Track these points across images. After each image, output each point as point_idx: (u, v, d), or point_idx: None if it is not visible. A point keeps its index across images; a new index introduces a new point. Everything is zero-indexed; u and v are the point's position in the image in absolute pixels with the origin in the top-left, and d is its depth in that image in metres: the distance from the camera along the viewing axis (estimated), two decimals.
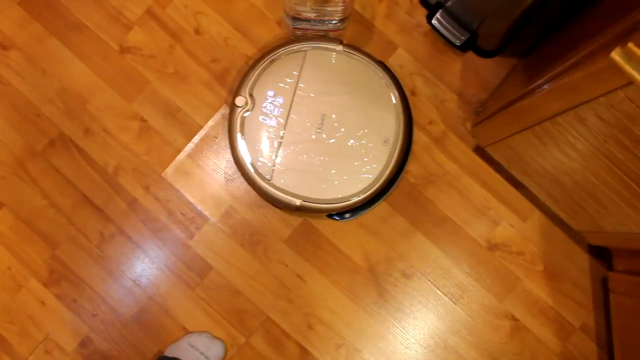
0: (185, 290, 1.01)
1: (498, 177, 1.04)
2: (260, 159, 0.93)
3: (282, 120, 0.93)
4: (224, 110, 1.02)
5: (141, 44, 1.05)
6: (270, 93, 0.93)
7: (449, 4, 1.01)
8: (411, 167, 1.03)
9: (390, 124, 0.93)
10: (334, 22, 0.95)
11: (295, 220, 1.02)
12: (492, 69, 1.06)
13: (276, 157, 0.93)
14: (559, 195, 0.89)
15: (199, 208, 1.02)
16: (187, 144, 1.03)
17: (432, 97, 1.05)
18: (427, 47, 1.05)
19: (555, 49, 0.85)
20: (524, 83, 0.84)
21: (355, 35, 1.06)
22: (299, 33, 0.99)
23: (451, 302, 1.02)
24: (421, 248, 1.02)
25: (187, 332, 1.00)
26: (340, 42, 0.94)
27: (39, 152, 1.03)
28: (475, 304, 1.01)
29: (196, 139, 1.03)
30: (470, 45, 1.03)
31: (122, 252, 1.01)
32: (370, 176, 0.92)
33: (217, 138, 1.03)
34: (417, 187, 1.03)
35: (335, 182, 0.92)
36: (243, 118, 0.93)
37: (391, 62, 1.05)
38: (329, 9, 0.92)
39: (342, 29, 1.00)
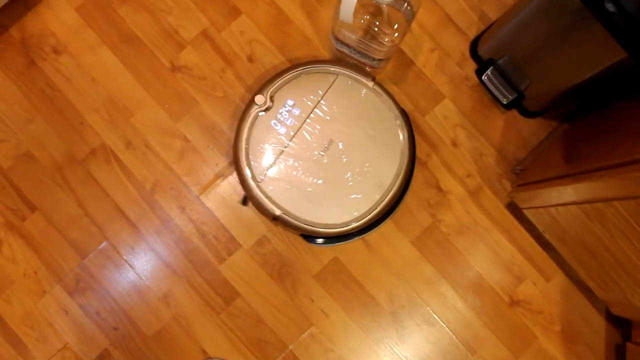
0: (210, 314, 1.04)
1: (527, 235, 1.09)
2: (259, 159, 0.97)
3: (291, 132, 0.98)
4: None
5: (193, 64, 1.09)
6: (290, 102, 0.98)
7: (500, 61, 1.05)
8: (445, 216, 1.07)
9: (391, 172, 0.98)
10: (374, 58, 0.99)
11: (326, 256, 1.06)
12: (532, 129, 1.11)
13: (274, 163, 0.97)
14: (591, 265, 0.93)
15: (232, 234, 1.06)
16: (228, 169, 1.06)
17: (472, 150, 1.09)
18: (472, 101, 1.10)
19: (605, 125, 0.89)
20: (571, 156, 0.88)
21: (401, 77, 1.11)
22: (338, 54, 1.04)
23: (468, 353, 1.06)
24: (445, 296, 1.06)
25: (206, 356, 1.03)
26: (373, 79, 0.99)
27: (79, 160, 1.06)
28: (491, 356, 1.06)
29: None
30: (515, 104, 1.08)
31: (150, 269, 1.04)
32: (355, 213, 0.97)
33: None
34: (449, 236, 1.07)
35: (320, 206, 0.97)
36: (257, 116, 0.98)
37: (436, 112, 1.09)
38: (373, 45, 0.96)
39: (378, 68, 1.05)
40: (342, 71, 0.99)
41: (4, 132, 1.06)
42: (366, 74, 1.00)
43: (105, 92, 1.08)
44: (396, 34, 0.94)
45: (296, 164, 0.97)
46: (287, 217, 0.96)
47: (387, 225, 1.05)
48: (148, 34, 1.09)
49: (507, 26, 1.00)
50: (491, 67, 1.07)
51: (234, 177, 1.05)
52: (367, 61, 1.02)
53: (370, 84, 0.98)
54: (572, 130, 1.03)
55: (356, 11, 0.87)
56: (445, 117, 1.09)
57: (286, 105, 0.98)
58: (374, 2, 0.87)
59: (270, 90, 0.98)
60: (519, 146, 1.09)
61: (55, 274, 1.04)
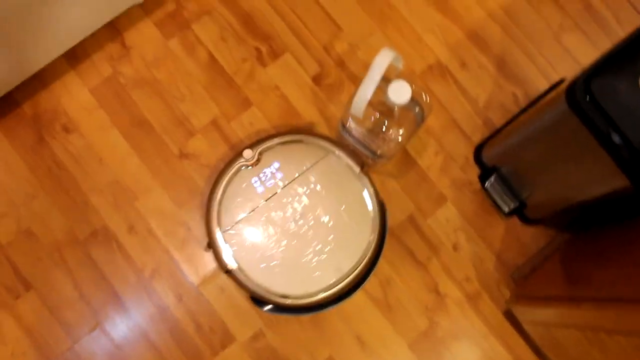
0: None
1: (524, 345, 1.12)
2: (230, 210, 0.99)
3: (269, 194, 0.99)
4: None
5: (200, 152, 1.13)
6: (276, 165, 1.01)
7: (503, 169, 1.10)
8: (442, 320, 1.10)
9: (352, 260, 1.00)
10: (376, 153, 1.04)
11: (321, 355, 1.07)
12: (532, 236, 1.15)
13: (243, 219, 1.00)
14: None
15: (228, 326, 1.07)
16: None
17: (472, 255, 1.13)
18: (474, 206, 1.14)
19: (610, 248, 0.92)
20: (573, 276, 0.91)
21: (405, 177, 1.17)
22: (341, 140, 1.09)
23: None
24: None
25: None
26: (362, 166, 1.02)
27: (80, 241, 1.09)
28: None
29: None
30: (516, 212, 1.12)
31: (142, 358, 1.05)
32: (308, 290, 0.98)
33: None
34: (445, 341, 1.10)
35: (276, 273, 0.98)
36: (239, 169, 1.01)
37: (439, 215, 1.13)
38: (378, 142, 1.01)
39: (378, 164, 1.10)
40: (334, 150, 1.03)
41: (7, 206, 1.09)
42: (357, 160, 1.03)
43: (112, 174, 1.11)
44: (402, 136, 0.99)
45: (264, 225, 1.00)
46: (240, 274, 0.98)
47: (386, 327, 1.07)
48: (159, 119, 1.14)
49: (512, 137, 1.05)
50: (494, 174, 1.11)
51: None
52: (369, 154, 1.07)
53: (357, 170, 1.02)
54: (573, 243, 1.07)
55: (367, 107, 0.91)
56: (447, 221, 1.13)
57: (271, 166, 1.02)
58: (387, 102, 0.91)
59: (261, 148, 1.02)
60: (519, 253, 1.13)
61: (45, 356, 1.06)
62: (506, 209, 1.11)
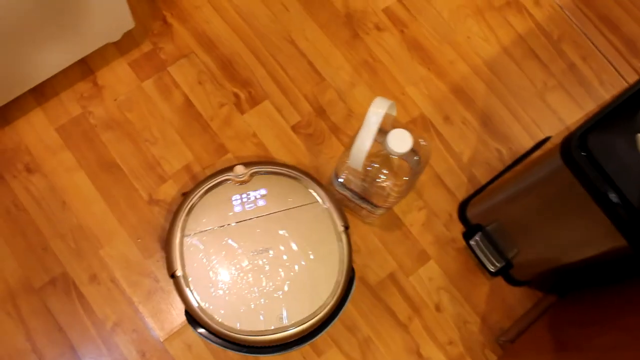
0: None
1: None
2: (199, 218, 1.08)
3: (244, 217, 1.08)
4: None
5: (171, 198, 1.22)
6: (263, 192, 1.10)
7: (489, 227, 1.22)
8: None
9: (298, 315, 1.07)
10: (375, 205, 1.14)
11: None
12: (518, 298, 1.26)
13: (208, 231, 1.07)
14: None
15: None
16: None
17: (456, 316, 1.23)
18: (458, 264, 1.26)
19: (601, 314, 1.02)
20: (562, 342, 1.00)
21: (387, 233, 1.27)
22: (338, 196, 1.18)
23: None
24: None
25: None
26: (346, 227, 1.12)
27: (36, 289, 1.15)
28: None
29: None
30: (502, 272, 1.24)
31: None
32: (241, 326, 1.04)
33: None
34: None
35: (217, 295, 1.04)
36: (224, 181, 1.10)
37: (421, 273, 1.24)
38: (378, 193, 1.10)
39: (374, 216, 1.20)
40: (325, 200, 1.13)
41: None
42: (343, 217, 1.13)
43: (75, 218, 1.19)
44: (401, 186, 1.08)
45: (225, 247, 1.06)
46: (183, 283, 1.04)
47: None
48: (129, 163, 1.23)
49: (500, 194, 1.17)
50: (479, 233, 1.23)
51: None
52: (367, 207, 1.17)
53: (341, 228, 1.11)
54: (562, 306, 1.18)
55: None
56: (429, 279, 1.23)
57: (258, 191, 1.11)
58: (385, 152, 1.00)
59: (254, 170, 1.12)
60: (504, 315, 1.24)
61: None
62: (492, 269, 1.22)
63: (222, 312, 1.05)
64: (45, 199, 1.19)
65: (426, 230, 1.26)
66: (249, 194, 1.10)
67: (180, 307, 1.16)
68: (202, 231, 1.08)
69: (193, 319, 1.07)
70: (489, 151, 1.33)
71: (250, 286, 1.06)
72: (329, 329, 1.09)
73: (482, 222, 1.22)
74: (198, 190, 1.11)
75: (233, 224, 1.09)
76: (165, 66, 1.30)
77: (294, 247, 1.09)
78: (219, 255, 1.07)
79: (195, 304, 1.05)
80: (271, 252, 1.08)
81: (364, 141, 0.96)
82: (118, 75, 1.28)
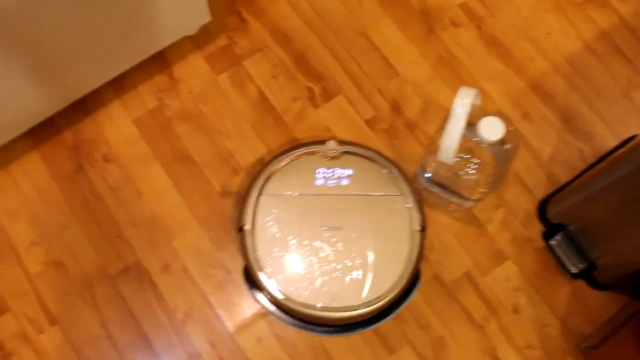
0: None
1: None
2: (280, 181, 1.10)
3: (323, 191, 1.09)
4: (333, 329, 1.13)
5: (244, 191, 1.19)
6: (349, 172, 1.11)
7: (571, 227, 1.15)
8: None
9: (361, 298, 1.05)
10: (467, 199, 1.10)
11: None
12: (601, 303, 1.18)
13: (285, 196, 1.09)
14: None
15: None
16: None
17: (534, 319, 1.16)
18: (537, 265, 1.19)
19: None
20: None
21: (463, 232, 1.22)
22: (424, 192, 1.16)
23: None
24: None
25: None
26: (423, 229, 1.09)
27: (110, 277, 1.15)
28: None
29: None
30: (584, 274, 1.16)
31: None
32: (303, 298, 1.05)
33: None
34: None
35: (281, 261, 1.06)
36: (313, 153, 1.12)
37: (498, 273, 1.18)
38: (465, 186, 1.06)
39: (463, 209, 1.17)
40: (406, 198, 1.11)
41: (38, 234, 1.16)
42: (422, 218, 1.11)
43: (149, 208, 1.18)
44: (492, 175, 1.04)
45: (298, 215, 1.07)
46: (249, 237, 1.07)
47: None
48: (203, 155, 1.22)
49: (583, 193, 1.10)
50: (561, 232, 1.16)
51: (273, 318, 1.12)
52: (456, 200, 1.13)
53: (418, 227, 1.09)
54: None
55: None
56: (506, 280, 1.17)
57: (345, 170, 1.11)
58: (472, 143, 0.98)
59: (346, 149, 1.12)
60: (586, 320, 1.16)
61: None
62: (574, 270, 1.15)
63: (281, 277, 1.05)
64: (120, 189, 1.19)
65: (503, 229, 1.19)
66: (334, 171, 1.09)
67: (252, 298, 1.13)
68: (279, 194, 1.08)
69: (250, 278, 1.07)
70: (570, 150, 1.26)
71: (313, 259, 1.06)
72: (379, 325, 1.09)
73: (564, 222, 1.15)
74: (285, 155, 1.12)
75: (311, 195, 1.09)
76: (240, 60, 1.29)
77: (365, 233, 1.07)
78: (290, 221, 1.07)
79: (255, 264, 1.05)
80: (342, 231, 1.07)
81: (454, 134, 0.93)
82: (194, 69, 1.28)
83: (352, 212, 1.09)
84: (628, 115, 1.29)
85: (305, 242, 1.06)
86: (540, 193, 1.23)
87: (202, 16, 1.22)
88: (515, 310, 1.16)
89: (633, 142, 1.14)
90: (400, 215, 1.10)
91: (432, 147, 1.03)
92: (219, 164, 1.22)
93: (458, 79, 1.29)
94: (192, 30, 1.24)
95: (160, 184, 1.20)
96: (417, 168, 1.15)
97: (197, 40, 1.30)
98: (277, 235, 1.06)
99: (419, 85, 1.29)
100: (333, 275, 1.06)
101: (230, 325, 1.13)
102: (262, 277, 1.05)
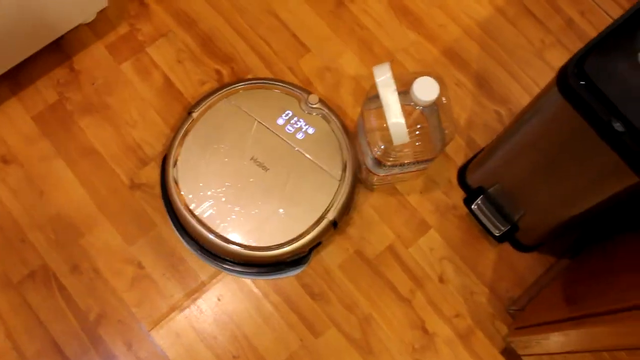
0: None
1: None
2: (247, 102, 1.09)
3: (274, 128, 1.08)
4: (231, 266, 1.04)
5: (154, 181, 1.09)
6: (310, 130, 1.09)
7: (491, 190, 1.08)
8: None
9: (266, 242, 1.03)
10: (427, 160, 1.03)
11: None
12: (528, 265, 1.11)
13: (238, 115, 1.08)
14: None
15: None
16: (185, 301, 1.03)
17: (461, 288, 1.08)
18: (461, 232, 1.11)
19: (610, 261, 0.89)
20: (573, 296, 0.87)
21: (383, 205, 1.14)
22: (375, 184, 1.11)
23: None
24: None
25: None
26: (334, 223, 1.05)
27: (14, 284, 1.03)
28: None
29: (196, 297, 1.03)
30: (508, 236, 1.09)
31: None
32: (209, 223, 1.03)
33: (220, 300, 1.04)
34: None
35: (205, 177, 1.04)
36: (292, 100, 1.10)
37: (421, 244, 1.10)
38: (426, 148, 1.00)
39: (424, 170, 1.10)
40: (341, 184, 1.07)
41: None
42: (341, 212, 1.06)
43: (54, 208, 1.07)
44: (444, 127, 1.00)
45: (243, 136, 1.07)
46: (189, 122, 1.07)
47: None
48: (109, 148, 1.11)
49: (499, 152, 1.03)
50: (481, 196, 1.09)
51: (190, 311, 1.02)
52: (419, 167, 1.06)
53: (331, 217, 1.05)
54: (573, 266, 1.03)
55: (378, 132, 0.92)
56: (431, 250, 1.09)
57: (309, 127, 1.08)
58: (411, 105, 0.93)
59: (322, 109, 1.09)
60: (513, 283, 1.09)
61: None
62: (497, 233, 1.08)
63: (190, 182, 1.04)
64: (22, 190, 1.08)
65: (425, 199, 1.11)
66: (299, 120, 1.07)
67: (167, 292, 1.07)
68: (239, 109, 1.08)
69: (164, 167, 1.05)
70: (487, 113, 1.19)
71: (228, 182, 1.04)
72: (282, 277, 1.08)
73: (484, 185, 1.08)
74: (267, 82, 1.11)
75: (264, 126, 1.06)
76: (143, 47, 1.18)
77: (282, 190, 1.03)
78: (231, 135, 1.07)
79: (174, 151, 1.05)
80: (265, 172, 1.04)
81: (397, 115, 0.88)
82: (95, 59, 1.17)
83: (286, 163, 1.05)
84: (542, 75, 1.23)
85: (225, 160, 1.04)
86: (460, 159, 1.16)
87: (98, 1, 1.10)
88: (442, 280, 1.08)
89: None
90: (324, 196, 1.04)
91: (372, 136, 0.97)
92: (127, 155, 1.11)
93: (369, 51, 1.21)
94: (89, 17, 1.14)
95: (64, 181, 1.09)
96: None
97: (97, 29, 1.19)
98: (210, 137, 1.06)
99: (331, 60, 1.20)
100: (231, 205, 1.03)
101: (146, 323, 1.03)
102: (171, 176, 1.04)
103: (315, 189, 1.04)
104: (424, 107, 0.92)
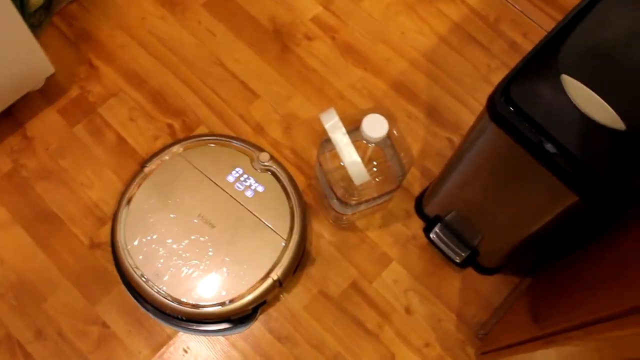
0: None
1: None
2: (198, 158, 1.13)
3: (224, 185, 1.10)
4: (185, 325, 1.06)
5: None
6: (260, 189, 1.12)
7: (448, 217, 1.11)
8: None
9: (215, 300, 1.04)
10: (389, 192, 1.07)
11: None
12: (492, 287, 1.14)
13: (188, 169, 1.11)
14: None
15: None
16: (152, 357, 1.05)
17: (428, 317, 1.11)
18: (423, 262, 1.14)
19: (568, 278, 0.92)
20: (537, 315, 0.90)
21: (343, 242, 1.18)
22: (343, 223, 1.15)
23: None
24: None
25: None
26: (280, 283, 1.07)
27: None
28: None
29: (163, 351, 1.05)
30: (470, 261, 1.12)
31: None
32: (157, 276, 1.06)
33: (187, 352, 1.06)
34: None
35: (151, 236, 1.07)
36: (243, 151, 1.14)
37: (384, 277, 1.13)
38: (387, 182, 1.04)
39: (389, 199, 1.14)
40: (286, 245, 1.09)
41: None
42: (285, 273, 1.09)
43: (14, 274, 1.10)
44: (401, 158, 1.04)
45: (187, 188, 1.11)
46: (142, 176, 1.10)
47: None
48: (66, 210, 1.15)
49: (448, 182, 1.07)
50: (439, 224, 1.12)
51: None
52: (384, 199, 1.10)
53: (275, 277, 1.08)
54: (536, 284, 1.06)
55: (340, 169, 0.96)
56: (395, 282, 1.12)
57: (258, 185, 1.11)
58: (365, 142, 0.97)
59: (273, 166, 1.12)
60: (480, 307, 1.12)
61: None
62: (457, 259, 1.11)
63: (135, 231, 1.07)
64: None
65: (384, 232, 1.15)
66: (249, 178, 1.10)
67: (134, 349, 1.09)
68: (192, 164, 1.11)
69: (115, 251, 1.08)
70: (440, 141, 1.23)
71: (176, 239, 1.07)
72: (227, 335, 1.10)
73: (440, 213, 1.12)
74: (222, 139, 1.15)
75: (214, 183, 1.09)
76: (95, 108, 1.23)
77: (230, 246, 1.07)
78: (181, 190, 1.10)
79: (125, 201, 1.09)
80: (212, 230, 1.06)
81: (352, 156, 0.93)
82: (48, 124, 1.21)
83: (233, 221, 1.08)
84: None
85: (174, 216, 1.07)
86: (417, 189, 1.20)
87: (44, 68, 1.16)
88: (408, 311, 1.11)
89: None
90: (270, 255, 1.08)
91: (333, 178, 1.03)
92: (85, 216, 1.15)
93: (318, 91, 1.27)
94: (37, 84, 1.18)
95: (23, 247, 1.12)
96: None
97: (48, 94, 1.23)
98: (161, 191, 1.09)
99: (281, 105, 1.25)
100: (182, 261, 1.06)
101: None
102: (124, 249, 1.07)
103: (261, 247, 1.06)
104: (376, 143, 0.95)
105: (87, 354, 1.06)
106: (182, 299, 1.02)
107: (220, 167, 1.10)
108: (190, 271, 1.04)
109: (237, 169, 1.10)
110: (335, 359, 1.08)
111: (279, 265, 1.05)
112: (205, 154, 1.12)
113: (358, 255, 1.14)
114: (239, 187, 1.09)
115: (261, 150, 1.11)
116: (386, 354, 1.09)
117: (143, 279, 1.03)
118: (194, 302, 1.02)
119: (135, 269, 1.04)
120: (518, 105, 0.78)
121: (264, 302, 1.07)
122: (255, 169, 1.11)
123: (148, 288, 1.03)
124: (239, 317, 1.06)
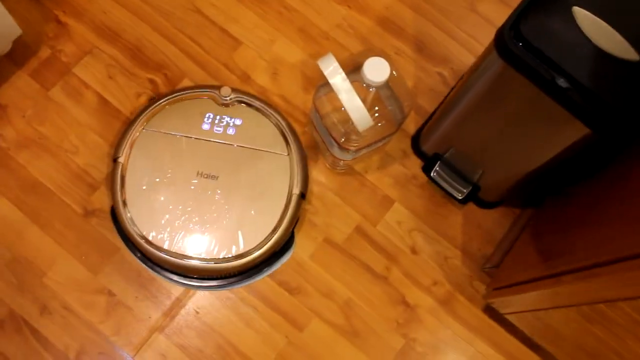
0: None
1: (512, 338, 1.12)
2: (164, 119, 1.09)
3: (206, 136, 1.08)
4: (199, 282, 1.07)
5: (108, 205, 1.10)
6: (238, 122, 1.10)
7: (447, 155, 1.12)
8: (418, 334, 1.09)
9: (229, 251, 1.04)
10: (384, 137, 1.07)
11: None
12: (495, 220, 1.17)
13: (166, 134, 1.09)
14: None
15: None
16: (163, 320, 1.06)
17: (435, 255, 1.14)
18: (424, 201, 1.16)
19: (579, 212, 0.94)
20: (546, 252, 0.92)
21: (343, 187, 1.18)
22: (341, 168, 1.13)
23: None
24: None
25: None
26: (302, 195, 1.08)
27: None
28: None
29: (174, 314, 1.06)
30: (471, 197, 1.14)
31: None
32: (168, 245, 1.05)
33: (198, 312, 1.07)
34: (426, 357, 1.09)
35: (149, 199, 1.06)
36: (204, 96, 1.11)
37: (388, 219, 1.14)
38: (384, 124, 1.03)
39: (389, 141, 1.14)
40: (291, 159, 1.10)
41: None
42: (304, 183, 1.09)
43: (8, 252, 1.08)
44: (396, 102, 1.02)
45: (180, 156, 1.07)
46: (120, 171, 1.07)
47: (357, 356, 1.06)
48: (54, 179, 1.12)
49: (449, 117, 1.07)
50: (438, 162, 1.13)
51: (171, 329, 1.05)
52: (384, 142, 1.10)
53: (297, 191, 1.08)
54: (540, 217, 1.09)
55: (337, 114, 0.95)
56: (398, 223, 1.14)
57: (234, 119, 1.09)
58: (364, 87, 0.96)
59: (240, 97, 1.10)
60: (484, 241, 1.15)
61: None
62: (459, 196, 1.13)
63: (146, 222, 1.03)
64: None
65: (383, 174, 1.16)
66: (223, 118, 1.08)
67: (143, 315, 1.09)
68: (161, 132, 1.07)
69: (115, 217, 1.05)
70: (431, 77, 1.23)
71: (185, 205, 1.04)
72: (244, 285, 1.11)
73: (439, 151, 1.12)
74: (176, 95, 1.10)
75: (194, 138, 1.06)
76: (69, 68, 1.18)
77: (241, 188, 1.05)
78: (166, 160, 1.06)
79: (119, 203, 1.04)
80: (217, 181, 1.05)
81: (355, 102, 0.91)
82: (20, 90, 1.16)
83: (232, 163, 1.06)
84: (478, 28, 1.28)
85: (177, 187, 1.05)
86: (412, 128, 1.21)
87: (10, 30, 1.10)
88: (414, 251, 1.13)
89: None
90: (281, 175, 1.07)
91: (330, 122, 1.01)
92: (74, 184, 1.12)
93: (302, 33, 1.24)
94: (4, 49, 1.12)
95: (14, 221, 1.10)
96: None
97: (17, 58, 1.18)
98: (151, 174, 1.04)
99: (265, 49, 1.22)
100: (199, 225, 1.04)
101: (128, 350, 1.06)
102: (124, 216, 1.04)
103: (270, 172, 1.07)
104: (377, 87, 0.95)
105: (97, 325, 1.07)
106: (220, 256, 1.04)
107: (190, 121, 1.07)
108: (217, 227, 1.05)
109: (207, 115, 1.08)
110: (346, 304, 1.10)
111: (295, 179, 1.07)
112: (168, 116, 1.08)
113: (359, 199, 1.15)
114: (218, 130, 1.07)
115: (219, 87, 1.09)
116: (396, 296, 1.12)
117: (166, 252, 1.04)
118: (237, 254, 1.03)
119: (156, 248, 1.04)
120: (529, 40, 0.77)
121: (297, 221, 1.09)
122: (224, 106, 1.09)
123: (177, 260, 1.04)
124: (282, 247, 1.08)
